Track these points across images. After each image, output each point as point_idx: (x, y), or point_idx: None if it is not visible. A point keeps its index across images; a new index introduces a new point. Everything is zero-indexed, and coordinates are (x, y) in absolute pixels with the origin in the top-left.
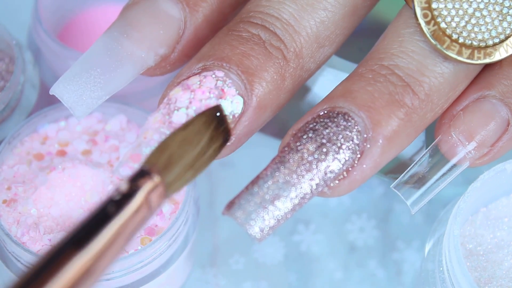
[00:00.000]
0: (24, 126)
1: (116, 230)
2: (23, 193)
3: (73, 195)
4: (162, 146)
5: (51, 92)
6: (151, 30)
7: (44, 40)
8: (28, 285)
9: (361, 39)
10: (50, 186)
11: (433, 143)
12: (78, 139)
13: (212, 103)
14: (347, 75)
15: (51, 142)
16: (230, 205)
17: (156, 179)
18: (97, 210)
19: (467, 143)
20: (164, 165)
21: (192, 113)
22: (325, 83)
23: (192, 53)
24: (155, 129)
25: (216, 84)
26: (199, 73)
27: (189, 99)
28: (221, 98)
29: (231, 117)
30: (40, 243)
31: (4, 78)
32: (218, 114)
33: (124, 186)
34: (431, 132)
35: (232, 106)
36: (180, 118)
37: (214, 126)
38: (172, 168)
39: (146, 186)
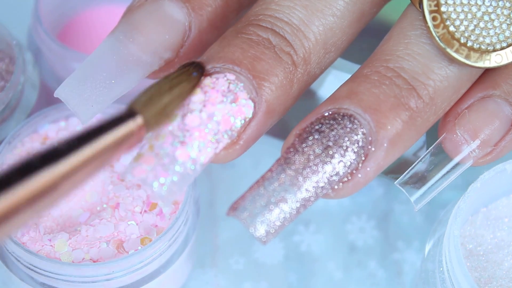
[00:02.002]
0: (24, 126)
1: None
2: None
3: (73, 195)
4: (145, 91)
5: (55, 95)
6: (157, 35)
7: (44, 40)
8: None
9: (362, 40)
10: None
11: (437, 141)
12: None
13: (226, 107)
14: (347, 75)
15: (51, 142)
16: (235, 206)
17: (139, 119)
18: (88, 129)
19: (471, 141)
20: (145, 103)
21: (205, 116)
22: (325, 83)
23: (196, 56)
24: (168, 132)
25: (228, 87)
26: (210, 74)
27: (203, 102)
28: (234, 102)
29: (242, 122)
30: (40, 243)
31: (4, 78)
32: (198, 66)
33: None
34: (432, 132)
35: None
36: (193, 120)
37: (193, 75)
38: (152, 106)
39: (130, 124)
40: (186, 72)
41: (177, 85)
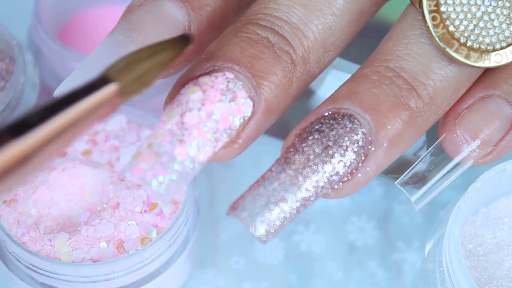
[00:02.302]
0: None
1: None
2: (23, 193)
3: (73, 195)
4: (125, 56)
5: (55, 95)
6: (156, 34)
7: (44, 40)
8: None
9: (362, 40)
10: (50, 186)
11: (437, 141)
12: (78, 139)
13: (225, 106)
14: (346, 75)
15: None
16: (235, 206)
17: (113, 86)
18: (60, 97)
19: (471, 141)
20: (123, 70)
21: (204, 115)
22: (324, 83)
23: (195, 56)
24: (167, 130)
25: (227, 86)
26: (209, 73)
27: (202, 100)
28: (233, 101)
29: (241, 120)
30: (40, 243)
31: (4, 78)
32: (185, 38)
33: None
34: (432, 132)
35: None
36: (192, 119)
37: (179, 44)
38: (131, 73)
39: (106, 89)
40: (170, 41)
41: (158, 53)
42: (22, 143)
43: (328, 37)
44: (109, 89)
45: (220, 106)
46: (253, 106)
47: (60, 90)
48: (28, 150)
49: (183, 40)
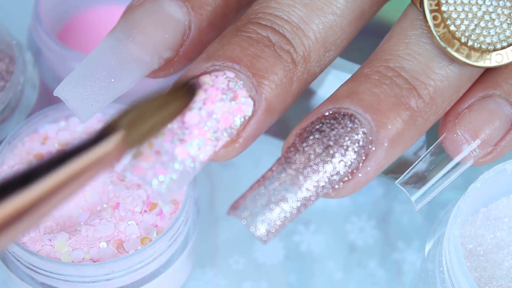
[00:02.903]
0: (24, 126)
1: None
2: None
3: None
4: (134, 107)
5: (55, 94)
6: (156, 34)
7: (44, 40)
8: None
9: (362, 40)
10: None
11: (437, 141)
12: (78, 139)
13: (226, 105)
14: (347, 75)
15: (52, 142)
16: (236, 206)
17: (122, 139)
18: (68, 148)
19: (472, 141)
20: (130, 124)
21: (204, 114)
22: (325, 83)
23: (195, 55)
24: (168, 129)
25: (228, 85)
26: (209, 72)
27: (203, 99)
28: (233, 100)
29: (242, 119)
30: (40, 243)
31: (4, 78)
32: (193, 86)
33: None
34: (432, 132)
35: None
36: (193, 118)
37: (187, 95)
38: (138, 127)
39: (109, 142)
40: (179, 91)
41: (167, 105)
42: (28, 193)
43: (328, 36)
44: (117, 141)
45: (220, 105)
46: (254, 105)
47: (60, 90)
48: (34, 200)
49: (191, 90)
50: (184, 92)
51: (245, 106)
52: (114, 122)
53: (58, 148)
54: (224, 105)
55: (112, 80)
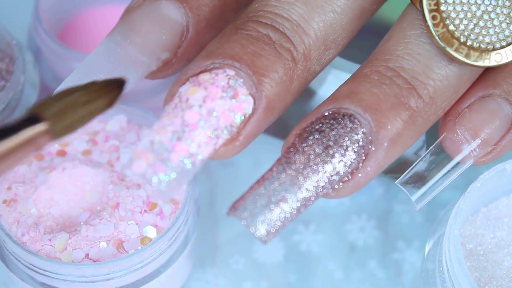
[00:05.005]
0: None
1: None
2: (23, 193)
3: (73, 195)
4: (59, 97)
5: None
6: (154, 36)
7: (44, 40)
8: None
9: (362, 39)
10: (50, 186)
11: (437, 141)
12: (78, 139)
13: (226, 103)
14: (347, 74)
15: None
16: (236, 206)
17: (43, 126)
18: None
19: (472, 141)
20: (56, 115)
21: (204, 112)
22: (325, 83)
23: (193, 56)
24: (168, 127)
25: (228, 83)
26: (209, 70)
27: (203, 98)
28: (233, 98)
29: (242, 117)
30: (40, 243)
31: (4, 78)
32: (120, 86)
33: (12, 122)
34: (432, 131)
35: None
36: (193, 116)
37: (113, 93)
38: (63, 120)
39: (31, 130)
40: (106, 87)
41: (94, 100)
42: None
43: (329, 34)
44: (38, 129)
45: (221, 103)
46: (254, 103)
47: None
48: None
49: (118, 86)
50: (112, 88)
51: (245, 104)
52: (40, 110)
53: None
54: (224, 103)
55: None
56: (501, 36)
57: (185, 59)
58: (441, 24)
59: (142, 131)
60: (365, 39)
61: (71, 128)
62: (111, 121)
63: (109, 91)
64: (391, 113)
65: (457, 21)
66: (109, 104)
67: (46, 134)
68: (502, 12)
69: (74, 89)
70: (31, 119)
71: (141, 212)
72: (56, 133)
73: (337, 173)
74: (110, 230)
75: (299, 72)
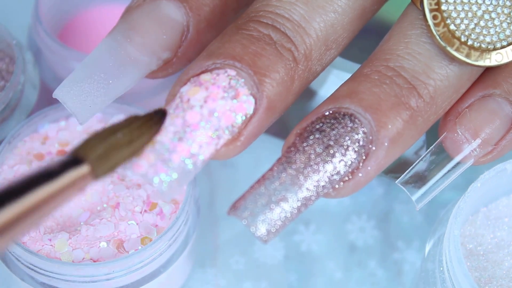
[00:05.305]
0: (24, 126)
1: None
2: None
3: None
4: (102, 137)
5: (54, 96)
6: (154, 35)
7: (44, 40)
8: None
9: (362, 39)
10: None
11: (438, 140)
12: (79, 139)
13: (227, 103)
14: (347, 74)
15: (52, 142)
16: (236, 206)
17: (85, 169)
18: (33, 175)
19: (472, 141)
20: (99, 157)
21: (206, 112)
22: (325, 83)
23: (194, 56)
24: (169, 128)
25: (229, 83)
26: (210, 70)
27: (204, 98)
28: (235, 98)
29: (243, 118)
30: (40, 243)
31: (5, 78)
32: (161, 119)
33: (54, 165)
34: (432, 131)
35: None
36: (194, 116)
37: (154, 128)
38: (105, 162)
39: (74, 173)
40: (148, 123)
41: (137, 139)
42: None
43: (330, 34)
44: (81, 171)
45: (222, 104)
46: (255, 103)
47: (59, 92)
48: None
49: (159, 119)
50: (154, 122)
51: (246, 104)
52: (83, 152)
53: (27, 172)
54: (225, 103)
55: (110, 82)
56: (501, 35)
57: (185, 59)
58: (442, 23)
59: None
60: (366, 39)
61: (113, 168)
62: (111, 121)
63: (151, 126)
64: (391, 113)
65: (458, 21)
66: (151, 139)
67: (89, 176)
68: (502, 12)
69: (117, 127)
70: (74, 161)
71: (141, 212)
72: (98, 175)
73: (338, 173)
74: (110, 230)
75: (300, 72)
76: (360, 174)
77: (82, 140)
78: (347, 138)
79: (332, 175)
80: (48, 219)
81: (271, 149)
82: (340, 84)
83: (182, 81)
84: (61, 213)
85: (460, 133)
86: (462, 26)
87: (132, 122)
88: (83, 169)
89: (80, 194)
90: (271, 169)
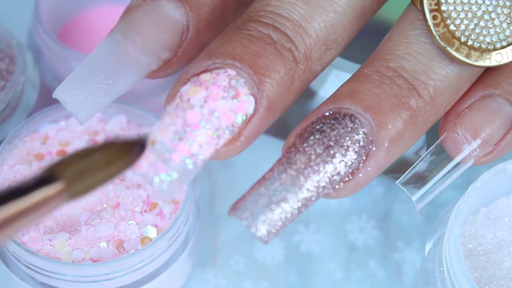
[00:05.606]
0: (24, 126)
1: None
2: None
3: None
4: (79, 157)
5: (54, 96)
6: (154, 35)
7: (44, 40)
8: None
9: (362, 39)
10: None
11: (438, 141)
12: (79, 139)
13: (227, 103)
14: (347, 74)
15: (52, 142)
16: (236, 206)
17: (60, 186)
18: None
19: (472, 141)
20: (74, 176)
21: (206, 112)
22: (325, 83)
23: (193, 56)
24: (169, 127)
25: (229, 83)
26: (210, 70)
27: (204, 98)
28: (235, 98)
29: (243, 117)
30: (40, 243)
31: (5, 78)
32: (140, 150)
33: (28, 181)
34: (432, 131)
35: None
36: (194, 116)
37: (133, 153)
38: (81, 182)
39: (48, 191)
40: (127, 148)
41: (114, 162)
42: None
43: (330, 34)
44: (54, 189)
45: (222, 103)
46: (255, 103)
47: (59, 92)
48: None
49: (139, 146)
50: (133, 149)
51: (246, 104)
52: (58, 169)
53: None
54: (225, 103)
55: (110, 81)
56: (501, 36)
57: (185, 59)
58: (442, 24)
59: (142, 131)
60: (365, 39)
61: (88, 189)
62: (111, 121)
63: (130, 151)
64: (391, 113)
65: (457, 21)
66: (129, 166)
67: (62, 194)
68: (502, 12)
69: (95, 149)
70: (48, 178)
71: (141, 212)
72: (72, 195)
73: (338, 173)
74: (110, 230)
75: (300, 72)
76: (360, 175)
77: (59, 158)
78: (347, 138)
79: (333, 176)
80: (15, 236)
81: (271, 149)
82: (340, 84)
83: (182, 80)
84: (61, 213)
85: (460, 133)
86: (462, 27)
87: (111, 146)
88: (56, 186)
89: (52, 213)
90: (271, 170)
